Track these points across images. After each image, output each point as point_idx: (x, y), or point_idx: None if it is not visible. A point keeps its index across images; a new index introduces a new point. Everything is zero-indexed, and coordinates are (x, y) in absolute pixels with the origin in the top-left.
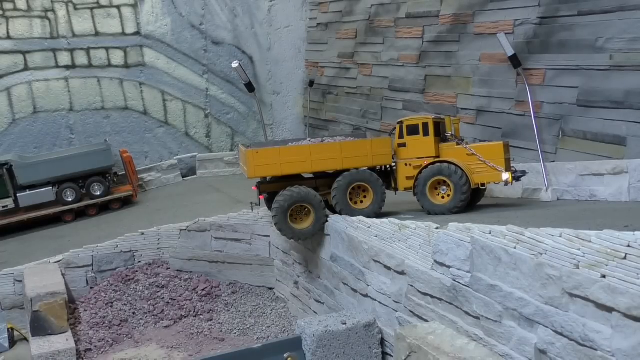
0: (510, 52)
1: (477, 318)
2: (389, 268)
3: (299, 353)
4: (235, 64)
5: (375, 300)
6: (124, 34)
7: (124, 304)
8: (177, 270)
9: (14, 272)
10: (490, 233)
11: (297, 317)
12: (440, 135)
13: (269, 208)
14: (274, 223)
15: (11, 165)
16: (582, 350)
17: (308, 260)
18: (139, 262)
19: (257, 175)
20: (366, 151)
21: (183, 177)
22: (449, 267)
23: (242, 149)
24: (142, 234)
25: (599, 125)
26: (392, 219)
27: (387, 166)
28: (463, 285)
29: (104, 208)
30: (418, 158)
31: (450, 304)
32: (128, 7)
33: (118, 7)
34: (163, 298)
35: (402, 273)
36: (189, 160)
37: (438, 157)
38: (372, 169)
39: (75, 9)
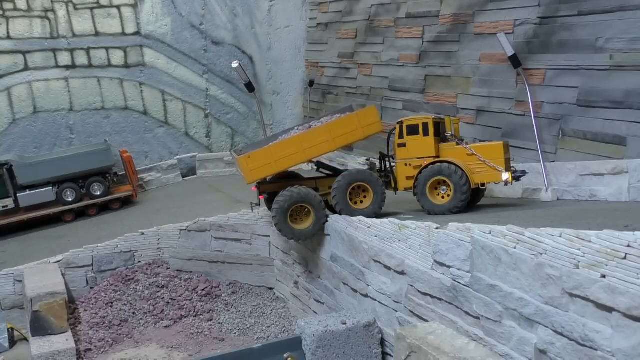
0: (510, 52)
1: (477, 318)
2: (389, 268)
3: (299, 353)
4: (235, 64)
5: (375, 300)
6: (124, 34)
7: (124, 304)
8: (177, 270)
9: (14, 272)
10: (490, 233)
11: (297, 317)
12: (440, 135)
13: (269, 208)
14: (274, 223)
15: (11, 165)
16: (582, 350)
17: (308, 260)
18: (139, 262)
19: (254, 179)
20: (355, 125)
21: (183, 177)
22: (449, 267)
23: (234, 157)
24: (142, 234)
25: (599, 125)
26: (392, 219)
27: (387, 166)
28: (463, 285)
29: (104, 208)
30: (418, 158)
31: (450, 304)
32: (128, 7)
33: (118, 7)
34: (163, 298)
35: (402, 273)
36: (189, 160)
37: (438, 157)
38: (372, 168)
39: (75, 9)
